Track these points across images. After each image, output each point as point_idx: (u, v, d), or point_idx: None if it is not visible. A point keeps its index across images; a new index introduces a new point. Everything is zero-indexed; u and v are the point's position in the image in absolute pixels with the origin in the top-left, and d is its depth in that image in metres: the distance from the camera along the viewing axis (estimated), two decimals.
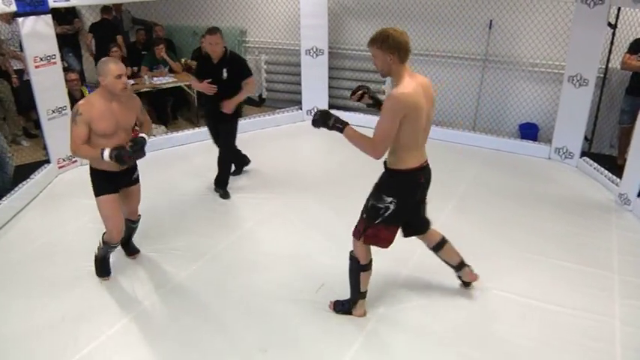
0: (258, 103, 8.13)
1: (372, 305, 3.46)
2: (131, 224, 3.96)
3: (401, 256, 3.78)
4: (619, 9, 5.51)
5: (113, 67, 3.34)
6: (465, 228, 4.42)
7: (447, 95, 6.91)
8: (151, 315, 3.46)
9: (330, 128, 2.98)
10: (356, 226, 3.18)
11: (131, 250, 4.15)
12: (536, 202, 4.95)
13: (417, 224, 3.34)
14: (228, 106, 4.79)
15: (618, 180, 5.08)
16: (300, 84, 7.17)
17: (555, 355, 3.10)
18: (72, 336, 3.26)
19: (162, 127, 6.87)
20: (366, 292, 3.34)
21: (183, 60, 7.58)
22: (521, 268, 3.92)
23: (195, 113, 7.28)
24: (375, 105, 3.24)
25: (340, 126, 2.95)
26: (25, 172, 5.27)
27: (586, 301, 3.55)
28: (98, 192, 3.55)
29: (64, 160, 5.64)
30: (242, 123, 6.66)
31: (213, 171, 5.16)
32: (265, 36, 7.85)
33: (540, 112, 6.56)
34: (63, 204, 4.99)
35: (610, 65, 5.85)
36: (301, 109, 7.22)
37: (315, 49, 6.88)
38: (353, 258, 3.25)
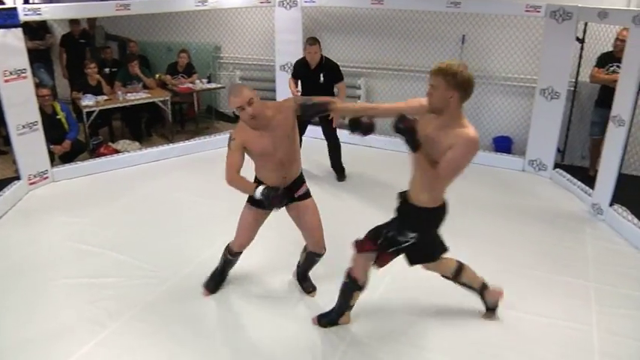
0: (233, 119, 8.08)
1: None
2: (315, 257, 3.59)
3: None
4: (586, 24, 5.66)
5: (231, 99, 3.02)
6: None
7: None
8: (122, 334, 3.37)
9: (406, 142, 2.70)
10: (361, 243, 3.08)
11: (308, 287, 3.77)
12: (512, 213, 5.00)
13: (423, 256, 3.18)
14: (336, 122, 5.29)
15: (591, 190, 5.16)
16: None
17: None
18: (45, 354, 3.16)
19: (137, 144, 6.78)
20: (353, 306, 3.30)
21: (157, 76, 7.53)
22: (499, 279, 3.91)
23: (170, 129, 7.21)
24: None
25: (414, 146, 2.69)
26: None
27: (564, 311, 3.57)
28: (251, 201, 3.35)
29: (34, 177, 5.51)
30: (218, 139, 6.69)
31: (188, 188, 5.06)
32: (240, 52, 7.86)
33: (514, 125, 6.66)
34: (35, 220, 4.86)
35: (579, 79, 5.98)
36: None
37: (289, 65, 6.88)
38: (350, 277, 3.16)
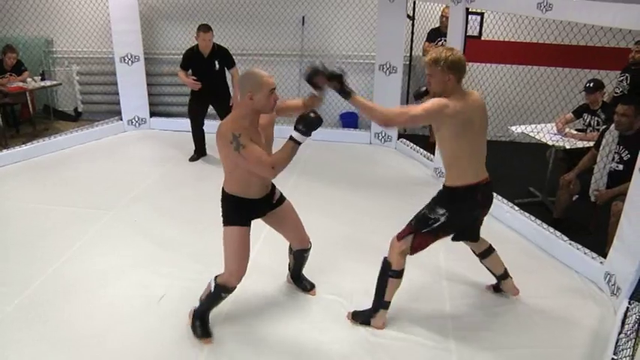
0: (75, 118, 7.61)
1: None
2: (304, 254, 3.41)
3: None
4: (414, 2, 6.06)
5: (268, 80, 2.71)
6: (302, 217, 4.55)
7: None
8: None
9: (340, 92, 2.83)
10: (401, 231, 3.13)
11: (306, 285, 3.58)
12: (365, 184, 5.28)
13: (469, 236, 3.36)
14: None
15: (432, 156, 5.59)
16: (117, 93, 6.84)
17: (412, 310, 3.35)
18: None
19: None
20: (389, 303, 3.20)
21: None
22: (356, 243, 4.15)
23: (3, 134, 6.61)
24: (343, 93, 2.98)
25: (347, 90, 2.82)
26: None
27: (415, 263, 3.85)
28: (233, 221, 2.92)
29: None
30: (59, 140, 6.26)
31: (29, 195, 4.69)
32: (75, 45, 7.35)
33: None
34: None
35: (413, 53, 6.40)
36: (122, 119, 6.90)
37: (130, 56, 6.60)
38: (386, 262, 3.15)
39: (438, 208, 3.04)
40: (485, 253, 3.44)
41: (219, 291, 3.01)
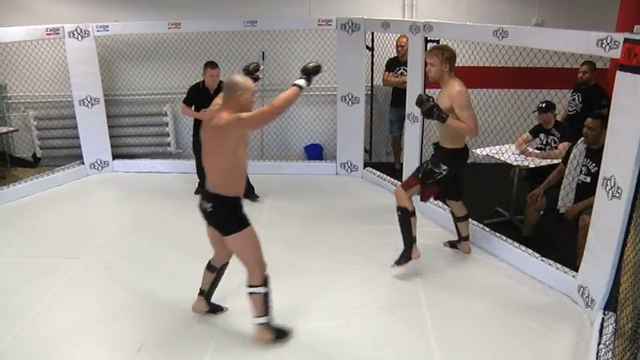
0: (34, 164, 7.41)
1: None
2: (225, 268, 3.63)
3: None
4: (372, 34, 6.20)
5: (251, 84, 3.13)
6: (273, 251, 4.52)
7: None
8: None
9: (435, 118, 3.89)
10: (406, 181, 4.21)
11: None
12: (333, 216, 5.29)
13: (452, 194, 4.28)
14: None
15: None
16: (78, 137, 6.71)
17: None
18: None
19: None
20: (415, 237, 4.07)
21: None
22: (332, 279, 4.13)
23: None
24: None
25: (445, 116, 3.84)
26: None
27: (396, 295, 3.89)
28: (245, 222, 3.16)
29: None
30: (18, 188, 6.05)
31: None
32: (31, 89, 7.15)
33: (322, 132, 7.03)
34: None
35: (374, 83, 6.53)
36: (83, 163, 6.77)
37: (89, 99, 6.51)
38: (401, 209, 4.04)
39: (442, 164, 4.01)
40: (459, 219, 4.37)
41: (266, 285, 3.22)
